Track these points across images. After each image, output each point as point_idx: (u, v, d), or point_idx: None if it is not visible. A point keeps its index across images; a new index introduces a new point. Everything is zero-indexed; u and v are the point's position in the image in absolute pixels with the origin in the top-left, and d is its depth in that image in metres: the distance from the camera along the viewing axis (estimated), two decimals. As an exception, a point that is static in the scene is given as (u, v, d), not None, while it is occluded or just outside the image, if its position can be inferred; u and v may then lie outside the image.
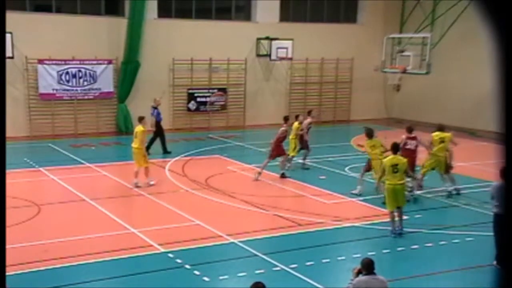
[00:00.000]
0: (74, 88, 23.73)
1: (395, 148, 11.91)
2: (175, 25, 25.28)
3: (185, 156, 19.68)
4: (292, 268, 9.87)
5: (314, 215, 13.15)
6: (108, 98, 24.44)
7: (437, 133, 14.62)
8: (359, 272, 6.96)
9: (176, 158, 19.23)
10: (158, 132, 19.86)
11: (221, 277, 9.58)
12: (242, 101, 27.27)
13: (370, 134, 14.40)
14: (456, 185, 14.89)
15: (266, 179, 16.46)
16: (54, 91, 23.38)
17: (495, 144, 15.13)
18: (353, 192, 14.75)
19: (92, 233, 11.58)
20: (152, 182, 15.45)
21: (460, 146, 15.51)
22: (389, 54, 26.81)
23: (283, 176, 16.63)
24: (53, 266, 9.86)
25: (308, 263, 10.12)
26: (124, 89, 24.48)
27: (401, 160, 11.65)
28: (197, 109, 26.19)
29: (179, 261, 10.16)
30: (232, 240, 11.28)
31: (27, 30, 22.16)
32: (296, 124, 17.37)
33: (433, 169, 14.82)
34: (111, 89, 24.34)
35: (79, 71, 23.69)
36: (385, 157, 14.13)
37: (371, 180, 14.68)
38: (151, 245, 10.94)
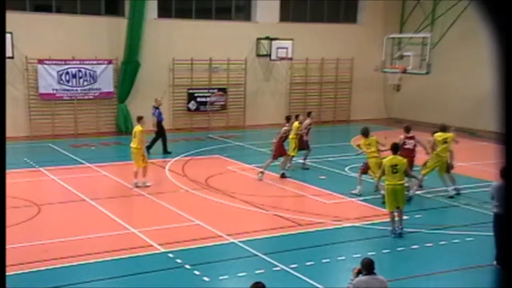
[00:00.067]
0: (74, 88, 23.73)
1: (395, 148, 11.89)
2: (175, 25, 25.27)
3: (185, 156, 19.68)
4: (292, 268, 9.87)
5: (314, 215, 13.15)
6: (108, 98, 24.44)
7: (439, 133, 14.60)
8: (359, 272, 6.96)
9: (176, 158, 19.23)
10: (160, 132, 19.88)
11: (221, 277, 9.59)
12: (242, 101, 27.27)
13: (365, 133, 14.59)
14: (456, 185, 14.89)
15: (266, 179, 16.46)
16: (54, 91, 23.39)
17: (495, 144, 15.13)
18: (353, 192, 14.76)
19: (92, 233, 11.58)
20: (148, 184, 15.36)
21: (460, 146, 15.52)
22: (389, 54, 26.83)
23: (283, 176, 16.63)
24: (53, 266, 9.86)
25: (308, 263, 10.12)
26: (124, 89, 24.48)
27: (401, 160, 11.63)
28: (197, 109, 26.20)
29: (179, 261, 10.16)
30: (232, 240, 11.28)
31: (27, 30, 22.16)
32: (296, 123, 17.36)
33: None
34: (111, 89, 24.34)
35: (79, 71, 23.70)
36: (382, 155, 14.30)
37: (371, 180, 14.70)
38: (151, 245, 10.94)
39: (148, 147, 19.63)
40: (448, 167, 14.68)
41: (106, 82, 24.14)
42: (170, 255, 10.42)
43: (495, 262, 9.82)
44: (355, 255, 10.14)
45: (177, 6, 26.16)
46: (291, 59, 26.84)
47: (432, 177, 14.98)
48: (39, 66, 22.95)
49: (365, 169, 14.82)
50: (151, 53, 24.42)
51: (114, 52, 24.09)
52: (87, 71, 23.80)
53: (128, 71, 24.26)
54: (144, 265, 10.05)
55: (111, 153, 20.83)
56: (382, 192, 13.59)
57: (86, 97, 24.02)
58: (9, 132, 17.74)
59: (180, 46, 25.08)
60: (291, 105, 27.93)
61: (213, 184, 15.82)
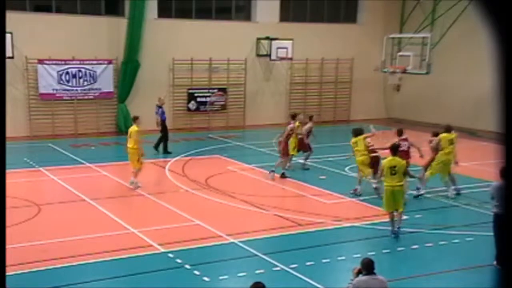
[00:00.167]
0: (74, 88, 23.73)
1: (394, 150, 11.85)
2: (175, 25, 25.28)
3: (185, 156, 19.69)
4: (292, 268, 9.87)
5: (314, 215, 13.15)
6: (108, 98, 24.45)
7: (444, 134, 14.63)
8: (359, 272, 6.96)
9: (176, 158, 19.23)
10: (162, 131, 19.92)
11: (221, 277, 9.59)
12: (242, 101, 27.27)
13: (354, 133, 14.90)
14: (457, 185, 14.89)
15: (266, 179, 16.46)
16: (54, 91, 23.39)
17: (495, 144, 15.14)
18: (353, 192, 14.77)
19: (92, 233, 11.57)
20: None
21: (460, 146, 15.52)
22: (389, 54, 26.84)
23: (283, 176, 16.63)
24: (53, 266, 9.86)
25: (308, 263, 10.12)
26: (124, 89, 24.49)
27: (400, 162, 11.58)
28: (197, 109, 26.20)
29: (179, 261, 10.16)
30: (232, 240, 11.28)
31: (27, 30, 22.15)
32: (297, 123, 17.38)
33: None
34: (111, 89, 24.35)
35: (79, 71, 23.70)
36: (370, 152, 14.44)
37: (371, 180, 14.71)
38: (151, 245, 10.94)
39: (156, 146, 19.69)
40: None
41: (106, 82, 24.14)
42: (170, 255, 10.42)
43: (495, 262, 9.83)
44: (355, 255, 10.13)
45: (177, 6, 26.16)
46: (291, 59, 26.85)
47: (432, 177, 14.95)
48: (39, 66, 22.95)
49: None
50: (151, 53, 24.42)
51: (114, 52, 24.10)
52: (87, 71, 23.80)
53: (128, 71, 24.27)
54: (144, 265, 10.05)
55: (111, 153, 20.82)
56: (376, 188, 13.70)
57: (86, 97, 24.03)
58: (9, 132, 17.72)
59: (180, 46, 25.08)
60: (291, 105, 27.92)
61: (213, 184, 15.81)
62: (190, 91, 25.96)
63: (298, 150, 17.67)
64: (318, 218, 12.92)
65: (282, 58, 26.69)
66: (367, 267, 6.89)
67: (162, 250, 10.70)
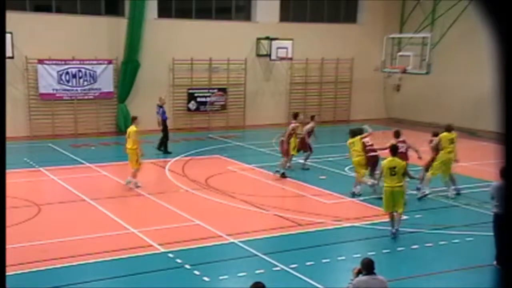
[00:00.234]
0: (74, 88, 23.73)
1: (394, 151, 11.83)
2: (175, 25, 25.28)
3: (185, 156, 19.69)
4: (292, 268, 9.86)
5: (314, 215, 13.15)
6: (108, 98, 24.45)
7: (445, 133, 14.64)
8: (359, 272, 6.96)
9: (176, 158, 19.24)
10: (163, 131, 19.93)
11: (221, 277, 9.59)
12: (242, 101, 27.27)
13: (352, 133, 14.99)
14: (457, 185, 14.89)
15: (267, 179, 16.47)
16: (54, 91, 23.39)
17: (495, 144, 15.14)
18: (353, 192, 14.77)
19: (92, 233, 11.57)
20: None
21: (460, 146, 15.51)
22: (389, 54, 26.84)
23: (283, 176, 16.62)
24: (53, 266, 9.86)
25: (308, 263, 10.12)
26: (124, 89, 24.49)
27: (400, 163, 11.56)
28: (197, 109, 26.20)
29: (179, 261, 10.16)
30: (232, 240, 11.28)
31: (27, 30, 22.15)
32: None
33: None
34: (111, 89, 24.35)
35: (79, 71, 23.70)
36: (369, 152, 14.47)
37: (364, 181, 14.75)
38: (151, 245, 10.94)
39: (159, 147, 19.66)
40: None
41: (106, 82, 24.14)
42: (170, 255, 10.42)
43: (495, 262, 9.83)
44: (355, 255, 10.13)
45: (177, 6, 26.16)
46: (291, 59, 26.85)
47: (434, 177, 14.94)
48: (39, 66, 22.95)
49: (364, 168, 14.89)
50: (151, 53, 24.42)
51: (114, 52, 24.10)
52: (87, 71, 23.80)
53: (128, 71, 24.27)
54: (144, 265, 10.04)
55: (111, 153, 20.82)
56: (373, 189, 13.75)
57: (86, 97, 24.03)
58: (9, 132, 17.72)
59: (180, 46, 25.08)
60: (291, 105, 27.93)
61: (213, 184, 15.81)
62: (190, 91, 25.96)
63: (298, 150, 17.68)
64: (318, 218, 12.92)
65: (282, 58, 26.69)
66: (367, 267, 6.89)
67: (162, 250, 10.70)
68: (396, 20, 29.32)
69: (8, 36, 20.15)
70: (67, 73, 23.49)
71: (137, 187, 15.20)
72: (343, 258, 10.51)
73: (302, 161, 17.96)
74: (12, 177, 14.71)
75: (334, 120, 29.14)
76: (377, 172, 13.98)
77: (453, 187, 14.79)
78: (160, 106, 19.98)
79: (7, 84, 20.55)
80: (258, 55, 27.09)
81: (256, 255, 10.55)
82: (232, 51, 26.20)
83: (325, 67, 28.76)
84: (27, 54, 22.58)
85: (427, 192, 14.52)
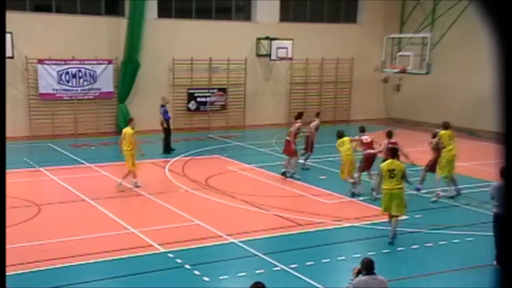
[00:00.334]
0: (74, 88, 23.73)
1: (393, 153, 11.80)
2: (175, 25, 25.28)
3: (185, 156, 19.68)
4: (292, 268, 9.87)
5: (314, 215, 13.15)
6: (108, 98, 24.45)
7: (443, 131, 14.65)
8: (359, 272, 6.96)
9: (176, 158, 19.23)
10: (167, 130, 19.90)
11: (221, 277, 9.59)
12: (242, 101, 27.27)
13: (338, 135, 15.01)
14: (457, 185, 14.88)
15: (266, 179, 16.47)
16: (54, 91, 23.39)
17: (495, 144, 15.14)
18: (353, 191, 14.77)
19: (92, 233, 11.58)
20: (138, 184, 15.25)
21: (460, 146, 15.53)
22: (389, 54, 26.83)
23: (283, 175, 16.62)
24: (53, 266, 9.86)
25: (308, 263, 10.12)
26: (124, 89, 24.48)
27: (399, 165, 11.51)
28: (197, 109, 26.20)
29: (179, 261, 10.16)
30: (232, 240, 11.29)
31: (27, 30, 22.15)
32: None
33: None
34: (111, 89, 24.35)
35: (79, 71, 23.70)
36: (368, 148, 14.55)
37: (370, 180, 14.73)
38: (151, 245, 10.94)
39: (167, 150, 19.66)
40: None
41: (106, 82, 24.14)
42: (170, 255, 10.42)
43: (495, 262, 9.83)
44: (355, 255, 10.14)
45: (177, 6, 26.16)
46: (291, 59, 26.84)
47: (432, 177, 14.95)
48: (39, 66, 22.95)
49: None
50: (151, 53, 24.42)
51: (114, 52, 24.10)
52: (87, 71, 23.80)
53: (128, 71, 24.27)
54: (144, 265, 10.05)
55: (111, 153, 20.75)
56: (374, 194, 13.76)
57: (86, 97, 24.03)
58: (9, 132, 17.71)
59: (180, 46, 25.08)
60: (291, 105, 27.94)
61: (213, 184, 15.82)
62: (190, 91, 25.96)
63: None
64: (318, 218, 12.92)
65: (282, 58, 26.68)
66: (367, 267, 6.89)
67: (162, 250, 10.70)
68: (396, 20, 29.32)
69: (8, 36, 20.15)
70: (67, 73, 23.49)
71: (137, 187, 15.20)
72: (343, 258, 10.51)
73: (302, 161, 17.95)
74: (12, 177, 14.71)
75: (334, 120, 29.11)
76: (374, 172, 14.01)
77: (453, 187, 14.77)
78: (162, 106, 19.94)
79: (7, 84, 20.56)
80: (258, 55, 27.09)
81: (256, 255, 10.55)
82: (232, 51, 26.20)
83: (325, 67, 28.76)
84: (27, 54, 22.58)
85: (441, 194, 14.45)
